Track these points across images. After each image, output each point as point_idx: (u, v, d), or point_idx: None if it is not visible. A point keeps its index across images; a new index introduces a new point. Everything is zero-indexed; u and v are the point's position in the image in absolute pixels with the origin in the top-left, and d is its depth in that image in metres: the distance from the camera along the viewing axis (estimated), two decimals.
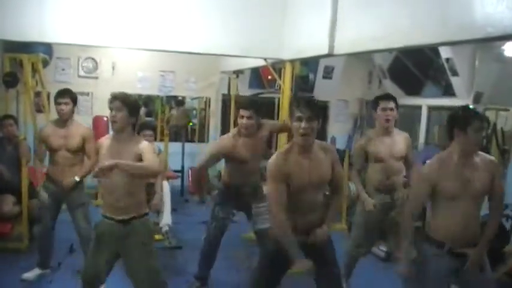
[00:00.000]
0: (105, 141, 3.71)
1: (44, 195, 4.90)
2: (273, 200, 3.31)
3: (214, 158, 4.75)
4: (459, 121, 3.28)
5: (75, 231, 4.89)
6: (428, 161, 3.53)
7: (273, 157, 3.35)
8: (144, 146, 3.58)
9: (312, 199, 3.39)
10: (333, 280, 3.55)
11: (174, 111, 9.65)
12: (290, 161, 3.28)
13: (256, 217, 4.79)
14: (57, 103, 4.79)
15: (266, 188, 5.01)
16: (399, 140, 4.70)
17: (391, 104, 4.61)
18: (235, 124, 8.01)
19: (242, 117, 4.55)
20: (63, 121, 4.82)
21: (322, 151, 3.38)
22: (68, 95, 4.79)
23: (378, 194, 4.70)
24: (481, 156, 3.36)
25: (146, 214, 3.79)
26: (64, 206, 4.98)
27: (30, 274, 4.97)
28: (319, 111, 3.25)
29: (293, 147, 3.33)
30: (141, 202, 3.74)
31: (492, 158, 3.45)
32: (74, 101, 4.86)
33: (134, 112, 3.61)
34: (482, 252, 3.33)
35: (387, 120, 4.61)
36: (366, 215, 4.74)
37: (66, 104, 4.76)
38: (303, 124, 3.16)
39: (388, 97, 4.71)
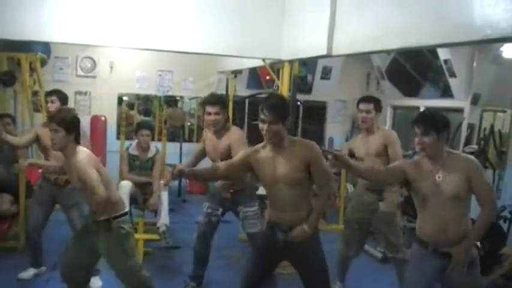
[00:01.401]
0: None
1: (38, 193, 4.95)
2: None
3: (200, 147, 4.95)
4: None
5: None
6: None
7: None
8: (78, 166, 3.56)
9: (287, 196, 3.42)
10: (316, 285, 3.57)
11: (168, 111, 9.62)
12: (260, 155, 3.47)
13: (244, 221, 4.75)
14: (45, 101, 4.96)
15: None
16: (376, 137, 4.71)
17: (369, 106, 4.69)
18: (234, 124, 8.01)
19: (209, 113, 4.48)
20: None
21: (298, 148, 3.41)
22: (55, 94, 4.88)
23: (368, 193, 4.72)
24: (456, 157, 3.34)
25: (121, 215, 3.75)
26: (57, 206, 4.99)
27: (26, 274, 4.97)
28: (283, 113, 3.34)
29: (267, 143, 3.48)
30: (110, 206, 3.67)
31: (468, 156, 3.42)
32: (63, 100, 4.90)
33: (72, 129, 3.60)
34: (464, 250, 3.26)
35: (363, 122, 4.73)
36: (354, 214, 4.80)
37: (52, 102, 4.83)
38: (265, 127, 3.31)
39: (366, 99, 4.79)
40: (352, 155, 4.75)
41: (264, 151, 3.47)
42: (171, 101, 9.90)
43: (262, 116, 3.31)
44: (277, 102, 3.38)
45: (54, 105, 4.82)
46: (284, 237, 3.46)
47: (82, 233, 3.83)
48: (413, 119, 3.32)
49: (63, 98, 4.91)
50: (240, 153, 3.63)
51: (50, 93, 4.92)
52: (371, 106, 4.69)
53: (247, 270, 3.74)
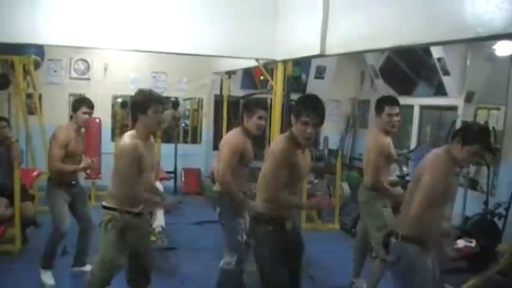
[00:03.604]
0: None
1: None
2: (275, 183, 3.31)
3: (235, 157, 4.29)
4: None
5: (83, 222, 5.01)
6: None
7: (280, 143, 3.37)
8: None
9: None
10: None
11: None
12: (294, 151, 3.32)
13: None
14: (84, 112, 4.82)
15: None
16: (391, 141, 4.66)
17: (396, 110, 4.51)
18: (228, 124, 7.98)
19: (261, 118, 4.36)
20: (80, 128, 4.93)
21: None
22: (92, 107, 4.89)
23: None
24: None
25: None
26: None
27: (50, 280, 4.88)
28: (324, 115, 3.27)
29: (293, 139, 3.31)
30: None
31: None
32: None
33: None
34: None
35: (393, 126, 4.52)
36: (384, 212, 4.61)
37: (90, 114, 4.88)
38: (308, 129, 3.19)
39: (393, 102, 4.58)
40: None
41: (295, 147, 3.33)
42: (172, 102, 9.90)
43: (305, 118, 3.18)
44: (320, 104, 3.28)
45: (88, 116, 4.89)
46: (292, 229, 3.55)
47: (125, 232, 3.78)
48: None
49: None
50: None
51: (91, 106, 4.87)
52: (398, 109, 4.52)
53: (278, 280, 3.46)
